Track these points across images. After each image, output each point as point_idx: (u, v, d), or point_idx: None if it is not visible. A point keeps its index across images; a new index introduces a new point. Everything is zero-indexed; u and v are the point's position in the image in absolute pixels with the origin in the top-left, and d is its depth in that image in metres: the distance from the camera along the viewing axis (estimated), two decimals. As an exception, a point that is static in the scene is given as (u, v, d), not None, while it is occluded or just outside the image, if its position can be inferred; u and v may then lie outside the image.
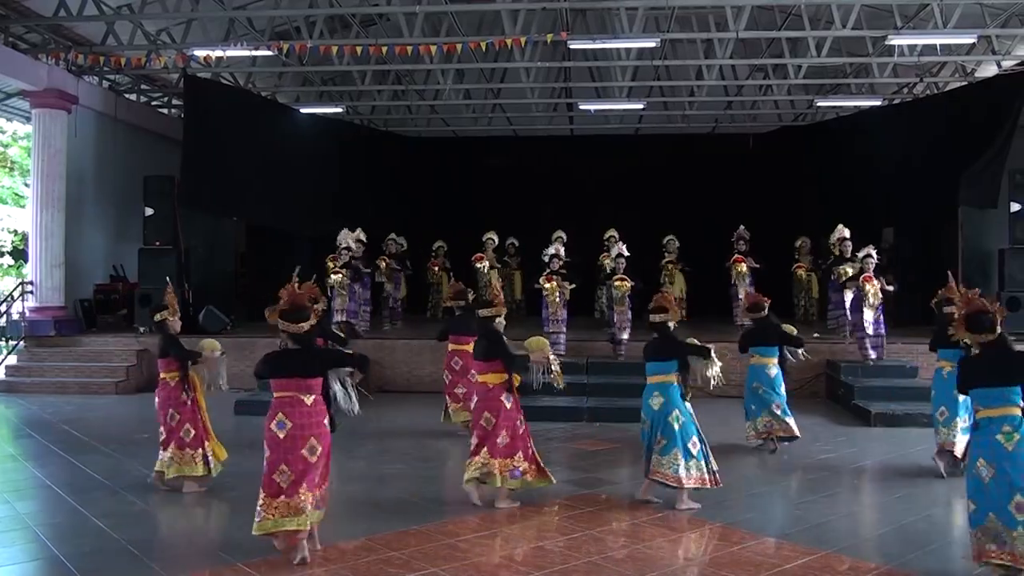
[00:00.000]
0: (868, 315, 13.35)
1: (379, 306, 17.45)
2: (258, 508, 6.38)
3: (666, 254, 17.38)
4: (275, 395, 6.53)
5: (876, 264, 13.61)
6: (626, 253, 14.69)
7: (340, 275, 14.73)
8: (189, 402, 8.65)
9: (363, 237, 16.41)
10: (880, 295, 13.29)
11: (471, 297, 11.38)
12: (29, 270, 17.75)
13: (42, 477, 9.22)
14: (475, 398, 8.43)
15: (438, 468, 10.29)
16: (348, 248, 15.19)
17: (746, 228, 17.36)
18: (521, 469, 8.08)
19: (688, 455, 7.79)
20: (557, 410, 12.56)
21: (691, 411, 7.97)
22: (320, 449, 6.49)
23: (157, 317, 8.86)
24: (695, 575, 6.37)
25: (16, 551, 6.82)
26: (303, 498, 6.37)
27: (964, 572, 6.27)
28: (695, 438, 7.87)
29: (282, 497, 6.35)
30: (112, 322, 17.23)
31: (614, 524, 7.48)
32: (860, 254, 13.72)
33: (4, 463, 10.02)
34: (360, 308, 15.89)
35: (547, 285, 14.32)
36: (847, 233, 15.50)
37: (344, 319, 14.53)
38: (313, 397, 6.51)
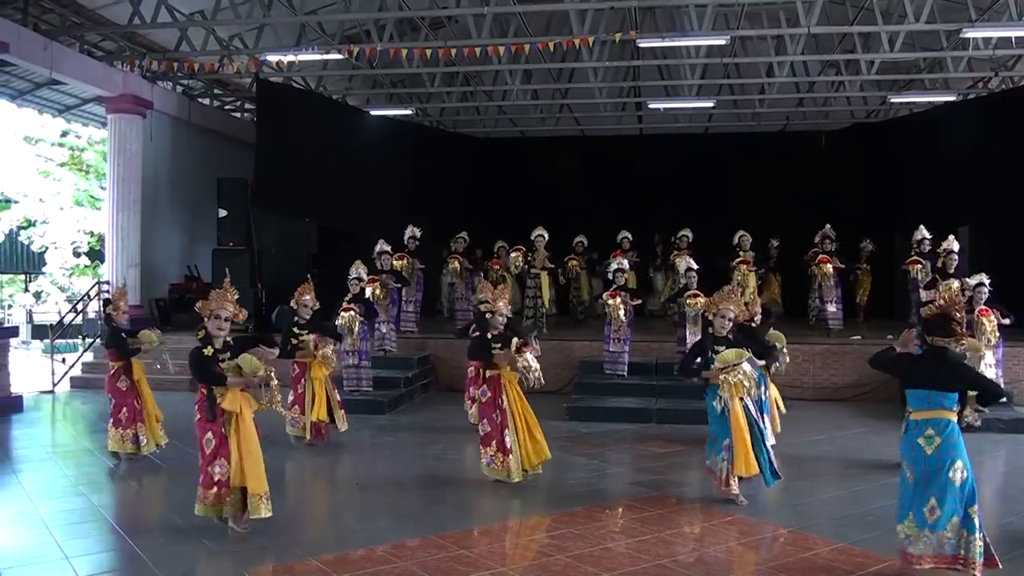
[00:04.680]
0: (988, 356, 10.77)
1: (443, 304, 17.22)
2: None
3: (740, 252, 16.33)
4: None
5: (989, 294, 11.28)
6: (695, 266, 13.74)
7: (350, 314, 12.31)
8: (125, 387, 9.69)
9: (417, 233, 16.12)
10: (997, 332, 11.13)
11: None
12: (105, 270, 18.20)
13: (117, 471, 9.45)
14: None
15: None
16: (359, 279, 12.81)
17: (831, 227, 16.70)
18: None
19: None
20: (625, 411, 12.51)
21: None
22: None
23: (107, 311, 10.00)
24: (766, 579, 6.28)
25: (92, 542, 7.00)
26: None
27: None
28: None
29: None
30: (186, 320, 17.45)
31: (685, 528, 7.41)
32: (972, 281, 11.38)
33: (80, 457, 10.30)
34: (402, 314, 15.58)
35: (610, 301, 13.62)
36: (927, 234, 15.27)
37: (355, 362, 12.82)
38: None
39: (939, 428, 5.95)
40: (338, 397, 10.90)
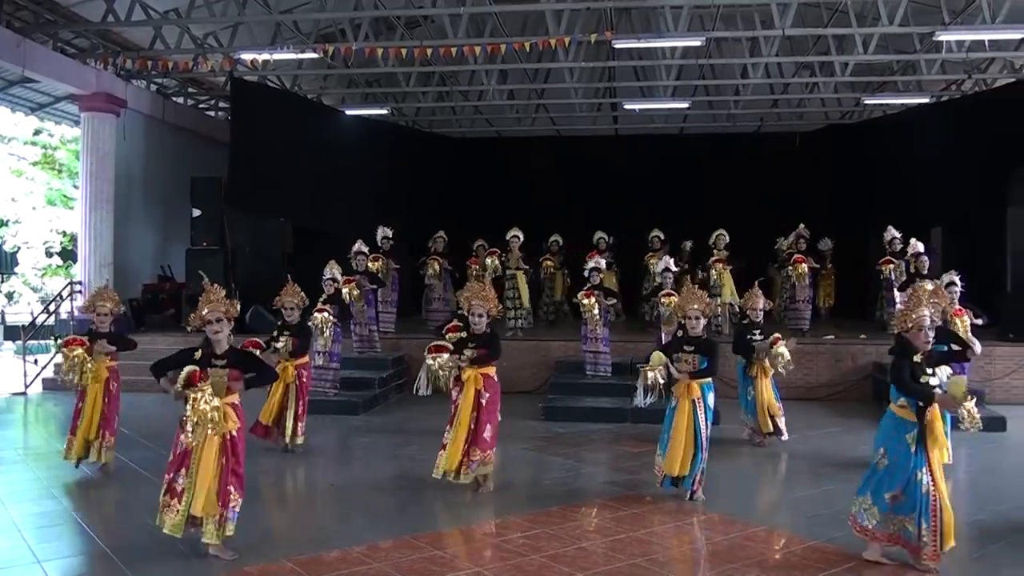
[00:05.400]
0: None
1: (422, 305, 17.23)
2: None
3: (715, 251, 16.12)
4: None
5: (961, 292, 10.83)
6: (674, 268, 13.76)
7: (323, 315, 12.25)
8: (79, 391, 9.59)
9: (389, 234, 16.03)
10: (971, 332, 10.45)
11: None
12: (78, 270, 18.05)
13: (89, 472, 9.37)
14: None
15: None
16: (333, 279, 12.83)
17: (805, 227, 16.79)
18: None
19: None
20: (600, 411, 12.51)
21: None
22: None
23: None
24: (740, 578, 6.30)
25: (64, 545, 6.95)
26: None
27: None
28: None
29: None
30: (160, 321, 17.36)
31: (659, 527, 7.42)
32: (943, 281, 10.69)
33: (52, 459, 10.16)
34: (379, 315, 15.47)
35: (585, 301, 13.41)
36: (898, 233, 15.36)
37: (323, 363, 12.56)
38: None
39: (885, 416, 6.54)
40: (301, 410, 10.31)
